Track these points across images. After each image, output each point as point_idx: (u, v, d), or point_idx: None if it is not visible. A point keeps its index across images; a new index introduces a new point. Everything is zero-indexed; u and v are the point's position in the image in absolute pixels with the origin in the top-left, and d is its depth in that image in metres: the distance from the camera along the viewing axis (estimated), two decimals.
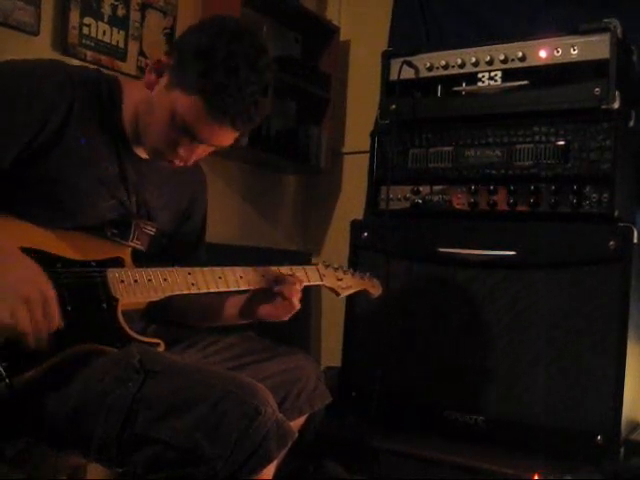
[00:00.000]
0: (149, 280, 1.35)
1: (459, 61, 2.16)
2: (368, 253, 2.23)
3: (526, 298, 1.99)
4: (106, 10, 2.37)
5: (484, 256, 2.04)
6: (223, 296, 1.56)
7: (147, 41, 2.50)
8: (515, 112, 2.08)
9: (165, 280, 1.37)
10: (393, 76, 2.26)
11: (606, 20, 1.95)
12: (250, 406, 1.15)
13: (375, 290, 1.76)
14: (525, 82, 2.08)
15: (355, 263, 2.19)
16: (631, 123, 2.01)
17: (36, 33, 2.17)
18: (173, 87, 1.31)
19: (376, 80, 2.33)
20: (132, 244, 1.40)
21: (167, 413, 1.17)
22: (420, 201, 2.20)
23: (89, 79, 1.38)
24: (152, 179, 1.49)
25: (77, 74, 1.36)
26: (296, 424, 1.44)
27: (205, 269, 1.44)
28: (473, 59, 2.14)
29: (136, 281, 1.34)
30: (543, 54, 2.04)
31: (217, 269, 1.45)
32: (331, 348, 2.83)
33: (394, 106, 2.25)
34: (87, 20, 2.30)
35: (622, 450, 1.86)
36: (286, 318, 1.52)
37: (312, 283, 1.60)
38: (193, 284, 1.41)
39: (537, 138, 2.02)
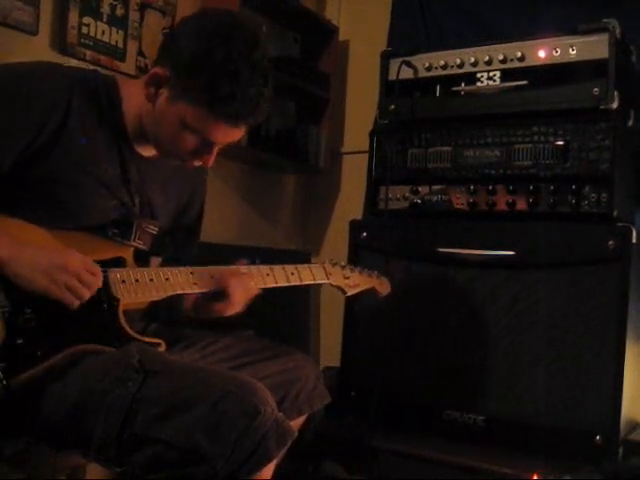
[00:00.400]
0: (151, 280, 1.36)
1: (458, 61, 2.16)
2: (367, 253, 2.23)
3: (525, 298, 1.99)
4: (105, 10, 2.36)
5: (483, 256, 2.04)
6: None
7: (146, 41, 2.50)
8: (514, 112, 2.08)
9: (167, 280, 1.38)
10: (392, 76, 2.26)
11: (605, 20, 1.95)
12: (250, 405, 1.15)
13: (383, 288, 1.74)
14: (524, 82, 2.07)
15: (354, 263, 2.17)
16: (630, 123, 2.01)
17: (35, 33, 2.16)
18: (177, 100, 1.32)
19: (375, 80, 2.33)
20: (134, 244, 1.40)
21: (167, 413, 1.17)
22: (419, 201, 2.20)
23: (86, 79, 1.38)
24: (155, 177, 1.49)
25: (74, 75, 1.36)
26: (295, 424, 1.44)
27: (210, 268, 1.44)
28: (472, 59, 2.14)
29: (137, 281, 1.34)
30: (542, 54, 2.04)
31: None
32: (330, 348, 2.82)
33: (393, 106, 2.25)
34: (86, 20, 2.30)
35: (621, 450, 1.86)
36: (227, 314, 1.47)
37: (318, 282, 1.59)
38: (195, 284, 1.41)
39: (536, 138, 2.02)
